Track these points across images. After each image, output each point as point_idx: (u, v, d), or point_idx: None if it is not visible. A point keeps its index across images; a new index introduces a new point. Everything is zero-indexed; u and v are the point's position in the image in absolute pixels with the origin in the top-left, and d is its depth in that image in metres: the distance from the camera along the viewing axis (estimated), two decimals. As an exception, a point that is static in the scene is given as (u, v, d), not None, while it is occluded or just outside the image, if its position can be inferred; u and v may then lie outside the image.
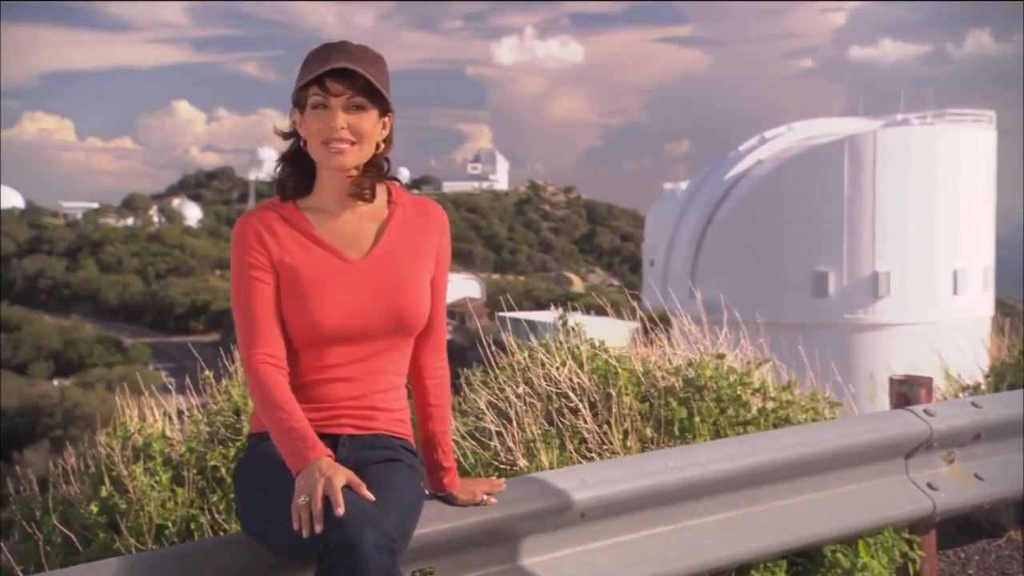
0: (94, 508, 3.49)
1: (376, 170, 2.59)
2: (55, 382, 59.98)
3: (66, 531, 3.39)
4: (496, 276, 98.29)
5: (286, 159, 2.61)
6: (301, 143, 2.57)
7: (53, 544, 3.47)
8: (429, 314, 2.65)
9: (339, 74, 2.45)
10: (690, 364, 3.96)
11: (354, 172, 2.55)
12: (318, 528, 2.18)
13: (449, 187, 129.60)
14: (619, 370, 3.82)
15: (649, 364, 3.98)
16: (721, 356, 3.98)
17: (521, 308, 7.85)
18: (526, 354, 3.99)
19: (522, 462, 3.56)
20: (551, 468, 3.44)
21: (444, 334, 2.77)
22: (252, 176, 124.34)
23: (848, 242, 30.31)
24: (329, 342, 2.52)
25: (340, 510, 2.18)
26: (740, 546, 3.35)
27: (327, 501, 2.20)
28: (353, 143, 2.49)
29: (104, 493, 3.51)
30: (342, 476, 2.27)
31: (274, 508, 2.37)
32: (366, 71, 2.46)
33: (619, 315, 5.16)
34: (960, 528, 4.57)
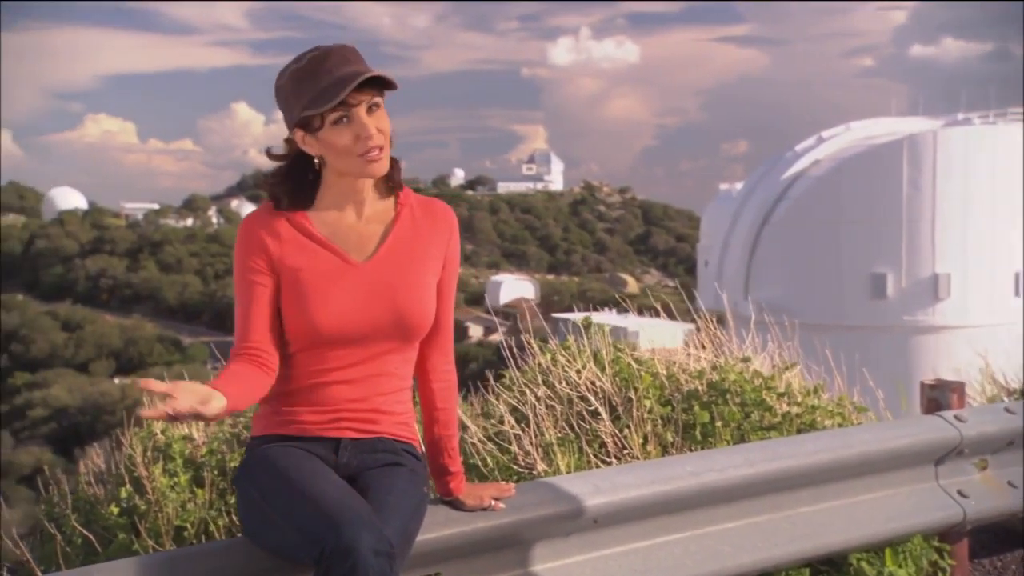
0: (114, 509, 3.50)
1: (395, 164, 2.55)
2: (116, 380, 60.98)
3: (85, 532, 3.41)
4: (550, 277, 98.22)
5: (283, 176, 2.53)
6: (316, 161, 2.49)
7: (74, 545, 3.50)
8: (436, 317, 2.62)
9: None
10: (715, 368, 3.89)
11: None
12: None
13: (504, 188, 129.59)
14: (641, 373, 3.77)
15: (673, 367, 3.91)
16: (746, 359, 3.91)
17: (575, 309, 7.81)
18: (548, 357, 3.95)
19: (541, 466, 3.52)
20: (568, 472, 3.40)
21: (451, 337, 2.73)
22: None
23: (907, 243, 29.83)
24: (330, 344, 2.49)
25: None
26: (761, 553, 3.29)
27: (326, 505, 2.20)
28: (383, 146, 2.44)
29: (123, 494, 3.53)
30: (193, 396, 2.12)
31: (272, 511, 2.35)
32: (371, 67, 2.41)
33: (674, 317, 5.10)
34: (997, 536, 4.45)
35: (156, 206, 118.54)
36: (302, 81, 2.40)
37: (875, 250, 29.91)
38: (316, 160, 2.50)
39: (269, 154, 2.56)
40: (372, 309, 2.49)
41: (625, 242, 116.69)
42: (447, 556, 2.74)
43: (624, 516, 3.06)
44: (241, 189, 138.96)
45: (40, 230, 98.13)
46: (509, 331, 4.35)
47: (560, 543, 2.98)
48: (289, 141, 2.51)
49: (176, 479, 3.52)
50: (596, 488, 3.00)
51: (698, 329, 4.42)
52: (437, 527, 2.68)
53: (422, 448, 2.73)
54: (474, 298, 75.22)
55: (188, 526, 3.43)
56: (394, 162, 2.52)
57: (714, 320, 4.45)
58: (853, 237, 30.22)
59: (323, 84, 2.37)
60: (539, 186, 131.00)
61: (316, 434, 2.49)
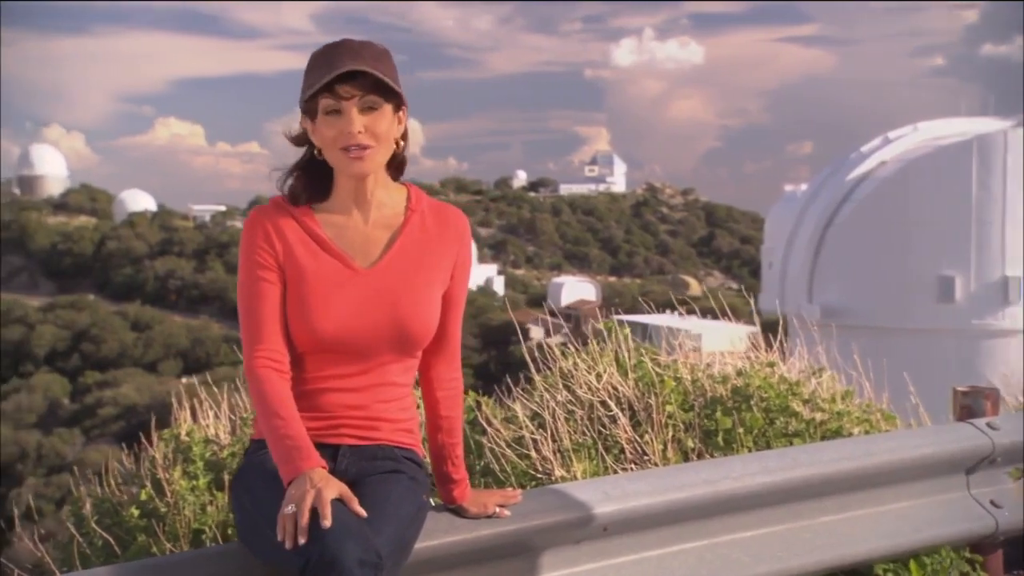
0: (135, 511, 3.53)
1: (396, 169, 2.54)
2: (183, 380, 61.97)
3: (104, 534, 3.43)
4: (612, 279, 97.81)
5: (300, 168, 2.54)
6: (316, 152, 2.50)
7: (94, 547, 3.53)
8: (442, 325, 2.59)
9: (348, 76, 2.38)
10: (739, 373, 3.82)
11: (371, 176, 2.48)
12: (301, 540, 2.13)
13: (566, 190, 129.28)
14: (664, 378, 3.71)
15: (698, 372, 3.85)
16: (771, 364, 3.84)
17: (636, 311, 7.73)
18: (570, 361, 3.91)
19: (559, 472, 3.48)
20: (584, 479, 3.36)
21: (458, 346, 2.69)
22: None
23: (976, 246, 29.20)
24: (330, 350, 2.47)
25: (327, 522, 2.14)
26: (780, 563, 3.22)
27: (315, 514, 2.16)
28: (371, 146, 2.42)
29: (143, 496, 3.55)
30: (334, 489, 2.22)
31: (262, 519, 2.32)
32: (374, 68, 2.39)
33: (737, 319, 5.03)
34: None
35: (223, 208, 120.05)
36: (312, 67, 2.43)
37: (943, 253, 29.33)
38: (316, 152, 2.49)
39: (285, 134, 2.56)
40: (373, 317, 2.47)
41: (688, 244, 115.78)
42: (450, 564, 2.71)
43: (636, 524, 3.02)
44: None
45: (111, 232, 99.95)
46: (572, 332, 4.30)
47: (570, 551, 2.94)
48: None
49: (196, 482, 3.53)
50: (606, 495, 2.95)
51: (762, 332, 4.36)
52: (439, 534, 2.65)
53: (425, 454, 2.70)
54: (535, 299, 75.16)
55: (207, 529, 3.44)
56: (392, 167, 2.50)
57: (783, 322, 4.39)
58: (920, 239, 29.67)
59: (321, 71, 2.39)
60: (601, 188, 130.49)
61: (315, 440, 2.43)
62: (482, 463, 3.68)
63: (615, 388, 3.72)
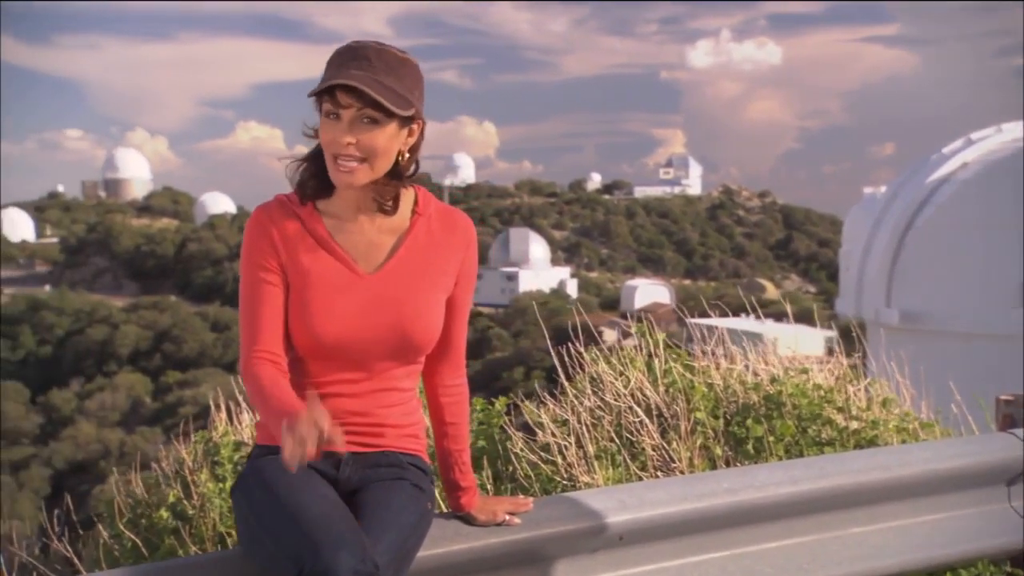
0: (164, 513, 3.55)
1: (400, 180, 2.44)
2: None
3: (130, 535, 3.47)
4: (687, 282, 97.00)
5: (309, 159, 2.48)
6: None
7: (123, 548, 3.56)
8: (447, 331, 2.55)
9: (351, 87, 2.30)
10: (773, 379, 3.73)
11: (371, 186, 2.41)
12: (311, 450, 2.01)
13: (640, 192, 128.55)
14: (694, 384, 3.64)
15: (731, 378, 3.77)
16: (805, 371, 3.74)
17: (711, 315, 7.62)
18: (600, 366, 3.85)
19: (584, 479, 3.43)
20: (606, 486, 3.31)
21: (462, 352, 2.65)
22: (447, 181, 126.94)
23: (1061, 250, 28.37)
24: (332, 355, 2.43)
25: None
26: (806, 575, 3.13)
27: (310, 520, 2.15)
28: (363, 160, 2.35)
29: (171, 498, 3.57)
30: (325, 419, 2.06)
31: (258, 525, 2.30)
32: (381, 82, 2.30)
33: (814, 323, 4.94)
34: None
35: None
36: (327, 64, 2.37)
37: (1026, 257, 28.57)
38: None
39: (304, 131, 2.48)
40: (375, 323, 2.42)
41: (765, 247, 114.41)
42: (457, 572, 2.66)
43: (654, 533, 2.95)
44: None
45: (192, 233, 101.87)
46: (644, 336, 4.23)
47: (585, 560, 2.89)
48: None
49: (223, 484, 3.55)
50: (622, 504, 2.89)
51: (840, 336, 4.26)
52: (446, 542, 2.62)
53: (431, 461, 2.67)
54: (609, 302, 74.94)
55: (233, 532, 3.46)
56: (388, 186, 2.43)
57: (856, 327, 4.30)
58: (1003, 243, 28.91)
59: (329, 72, 2.34)
60: (676, 190, 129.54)
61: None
62: (509, 469, 3.64)
63: (644, 394, 3.65)
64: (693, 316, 5.22)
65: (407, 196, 2.53)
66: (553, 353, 3.92)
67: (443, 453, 2.68)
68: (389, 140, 2.37)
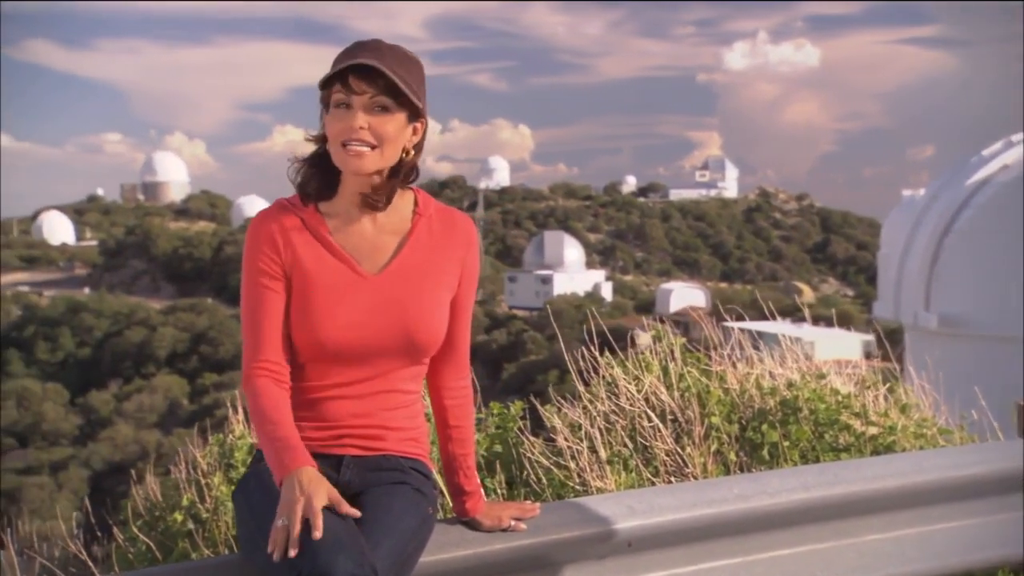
0: (178, 516, 3.56)
1: (398, 179, 2.44)
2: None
3: (145, 538, 3.48)
4: (723, 285, 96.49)
5: (311, 159, 2.49)
6: (327, 145, 2.44)
7: (138, 552, 3.57)
8: (450, 332, 2.54)
9: (364, 73, 2.32)
10: (790, 384, 3.69)
11: (376, 178, 2.42)
12: (292, 553, 2.10)
13: (676, 195, 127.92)
14: (710, 389, 3.61)
15: (747, 383, 3.73)
16: (822, 376, 3.69)
17: (747, 318, 7.59)
18: (616, 370, 3.82)
19: (597, 484, 3.41)
20: (616, 491, 3.28)
21: (466, 353, 2.64)
22: (482, 184, 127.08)
23: (1103, 252, 27.93)
24: (335, 358, 2.42)
25: (318, 533, 2.10)
26: (820, 583, 3.09)
27: (307, 525, 2.12)
28: (374, 146, 2.36)
29: (186, 502, 3.58)
30: (323, 494, 2.17)
31: (257, 530, 2.30)
32: (393, 71, 2.33)
33: (852, 327, 4.89)
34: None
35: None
36: (336, 60, 2.38)
37: (1067, 260, 28.14)
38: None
39: (306, 136, 2.50)
40: (379, 324, 2.42)
41: (802, 250, 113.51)
42: (461, 577, 2.67)
43: (663, 540, 2.92)
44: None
45: (228, 236, 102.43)
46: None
47: (594, 566, 2.86)
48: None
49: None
50: (631, 509, 2.87)
51: (878, 340, 4.21)
52: (450, 548, 2.60)
53: (434, 465, 2.66)
54: (644, 305, 74.61)
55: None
56: (397, 174, 2.43)
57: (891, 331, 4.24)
58: (1044, 246, 28.53)
59: (339, 63, 2.35)
60: (712, 193, 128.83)
61: (318, 451, 2.41)
62: (523, 474, 3.62)
63: (658, 398, 3.62)
64: (729, 320, 5.17)
65: (407, 197, 2.53)
66: (568, 359, 3.89)
67: (447, 457, 2.66)
68: (399, 130, 2.39)
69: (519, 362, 58.03)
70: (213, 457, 3.74)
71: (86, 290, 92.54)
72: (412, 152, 2.45)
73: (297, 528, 2.12)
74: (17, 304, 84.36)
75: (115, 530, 3.68)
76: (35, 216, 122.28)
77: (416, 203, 2.54)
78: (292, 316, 2.43)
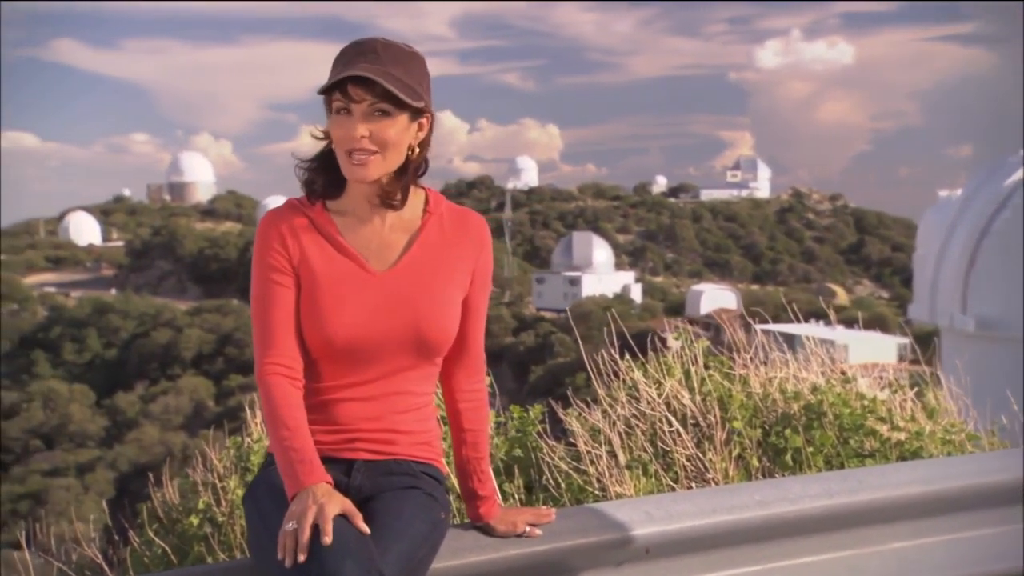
0: (194, 520, 3.54)
1: (407, 177, 2.42)
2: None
3: (160, 542, 3.45)
4: (755, 287, 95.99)
5: (317, 158, 2.47)
6: (332, 144, 2.41)
7: (154, 555, 3.55)
8: (463, 333, 2.50)
9: (362, 80, 2.30)
10: (814, 388, 3.62)
11: (383, 179, 2.39)
12: (301, 558, 2.07)
13: (707, 195, 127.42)
14: (732, 393, 3.55)
15: (771, 387, 3.67)
16: (847, 380, 3.62)
17: (779, 320, 7.54)
18: (637, 373, 3.77)
19: (616, 489, 3.36)
20: (634, 497, 3.23)
21: (480, 355, 2.60)
22: (510, 185, 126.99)
23: None
24: (344, 358, 2.39)
25: (327, 539, 2.08)
26: (844, 592, 3.03)
27: (316, 531, 2.09)
28: (376, 152, 2.33)
29: (201, 505, 3.56)
30: (336, 504, 2.15)
31: (266, 534, 2.26)
32: (391, 74, 2.29)
33: (887, 329, 4.83)
34: None
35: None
36: (335, 62, 2.36)
37: (1108, 262, 27.74)
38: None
39: (312, 134, 2.48)
40: (389, 322, 2.38)
41: (836, 251, 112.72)
42: (475, 584, 2.62)
43: (682, 547, 2.87)
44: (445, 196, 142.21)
45: (255, 237, 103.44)
46: (710, 342, 4.15)
47: (610, 573, 2.81)
48: None
49: (252, 490, 3.52)
50: (648, 516, 2.81)
51: (912, 343, 4.14)
52: (464, 553, 2.56)
53: (447, 470, 2.62)
54: (674, 307, 74.39)
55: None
56: (405, 173, 2.41)
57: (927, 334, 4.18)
58: (1083, 247, 28.14)
59: (337, 68, 2.32)
60: (744, 193, 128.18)
61: (329, 455, 2.38)
62: (542, 479, 3.58)
63: (680, 402, 3.56)
64: (760, 322, 5.09)
65: (417, 195, 2.51)
66: (588, 362, 3.84)
67: (461, 461, 2.62)
68: (401, 132, 2.36)
69: (546, 364, 57.98)
70: (229, 460, 3.71)
71: (112, 291, 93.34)
72: (417, 149, 2.43)
73: (307, 533, 2.10)
74: (44, 305, 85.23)
75: (131, 533, 3.66)
76: (62, 217, 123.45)
77: (427, 202, 2.52)
78: (302, 314, 2.40)
